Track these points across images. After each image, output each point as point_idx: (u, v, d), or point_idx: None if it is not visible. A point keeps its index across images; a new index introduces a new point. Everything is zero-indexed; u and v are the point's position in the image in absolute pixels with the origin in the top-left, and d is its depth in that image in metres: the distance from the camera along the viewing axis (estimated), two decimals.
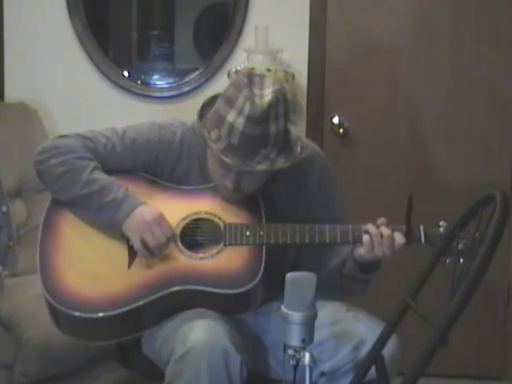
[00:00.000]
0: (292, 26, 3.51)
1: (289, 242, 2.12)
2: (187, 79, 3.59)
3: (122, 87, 3.60)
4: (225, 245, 2.13)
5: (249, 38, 3.47)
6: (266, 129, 2.02)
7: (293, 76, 3.37)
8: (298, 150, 2.11)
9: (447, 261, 1.95)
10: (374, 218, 2.13)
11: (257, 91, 2.04)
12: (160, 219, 2.12)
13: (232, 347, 1.97)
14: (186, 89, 3.57)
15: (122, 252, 2.14)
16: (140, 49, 3.82)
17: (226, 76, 3.40)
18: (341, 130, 3.53)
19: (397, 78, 3.54)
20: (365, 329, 2.09)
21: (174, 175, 2.23)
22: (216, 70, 3.53)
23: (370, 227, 2.09)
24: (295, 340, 1.75)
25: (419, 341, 1.61)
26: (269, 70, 3.26)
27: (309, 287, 1.76)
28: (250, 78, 2.06)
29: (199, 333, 1.98)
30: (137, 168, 2.22)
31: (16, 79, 3.59)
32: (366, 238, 2.08)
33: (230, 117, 2.03)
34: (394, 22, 3.50)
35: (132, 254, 2.14)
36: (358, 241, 2.10)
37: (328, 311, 2.12)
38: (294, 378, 1.77)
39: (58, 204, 2.21)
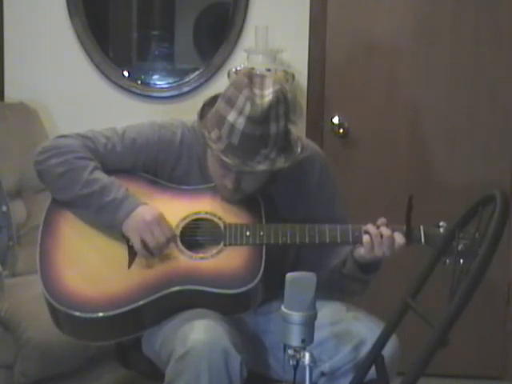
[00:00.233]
0: (292, 25, 3.51)
1: (289, 242, 2.12)
2: (187, 79, 3.59)
3: (121, 87, 3.60)
4: (225, 245, 2.13)
5: (249, 37, 3.47)
6: (266, 129, 2.02)
7: (293, 76, 3.37)
8: (299, 150, 2.11)
9: (447, 261, 1.96)
10: (374, 218, 2.13)
11: (257, 91, 2.04)
12: (160, 219, 2.12)
13: (232, 347, 1.97)
14: (185, 89, 3.57)
15: (121, 252, 2.14)
16: (140, 49, 3.82)
17: (226, 76, 3.40)
18: (341, 130, 3.53)
19: (397, 78, 3.54)
20: (365, 329, 2.09)
21: (174, 175, 2.23)
22: (216, 70, 3.53)
23: (370, 227, 2.09)
24: (295, 340, 1.75)
25: (419, 341, 1.61)
26: (269, 70, 3.26)
27: (309, 287, 1.76)
28: (251, 78, 2.06)
29: (199, 333, 1.98)
30: (137, 168, 2.22)
31: (16, 79, 3.59)
32: (366, 238, 2.08)
33: (231, 117, 2.03)
34: (394, 22, 3.50)
35: (132, 254, 2.14)
36: (358, 241, 2.10)
37: (328, 311, 2.12)
38: (294, 378, 1.77)
39: (58, 204, 2.21)
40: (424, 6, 3.49)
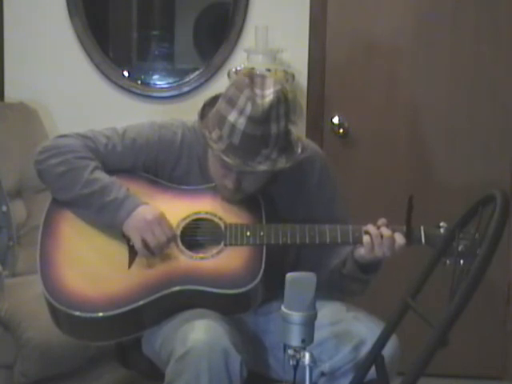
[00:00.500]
0: (292, 25, 3.51)
1: (289, 242, 2.12)
2: (187, 79, 3.59)
3: (122, 87, 3.60)
4: (225, 245, 2.13)
5: (249, 37, 3.47)
6: (267, 129, 2.02)
7: (293, 76, 3.37)
8: (299, 150, 2.11)
9: (447, 262, 1.96)
10: (374, 218, 2.13)
11: (258, 91, 2.04)
12: (161, 219, 2.12)
13: (232, 347, 1.97)
14: (186, 89, 3.57)
15: (122, 252, 2.15)
16: (140, 49, 3.82)
17: (226, 76, 3.40)
18: (341, 130, 3.53)
19: (397, 78, 3.54)
20: (365, 329, 2.09)
21: (174, 175, 2.23)
22: (216, 70, 3.53)
23: (371, 228, 2.09)
24: (295, 340, 1.75)
25: (419, 341, 1.61)
26: (269, 70, 3.26)
27: (309, 287, 1.76)
28: (252, 78, 2.06)
29: (199, 333, 1.98)
30: (137, 168, 2.22)
31: (16, 79, 3.59)
32: (366, 238, 2.08)
33: (232, 117, 2.03)
34: (394, 22, 3.50)
35: (132, 253, 2.14)
36: (358, 241, 2.10)
37: (328, 311, 2.12)
38: (294, 378, 1.77)
39: (58, 204, 2.21)
40: (424, 6, 3.50)
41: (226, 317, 2.08)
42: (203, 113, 2.13)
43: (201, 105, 2.16)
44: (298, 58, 3.48)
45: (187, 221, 2.17)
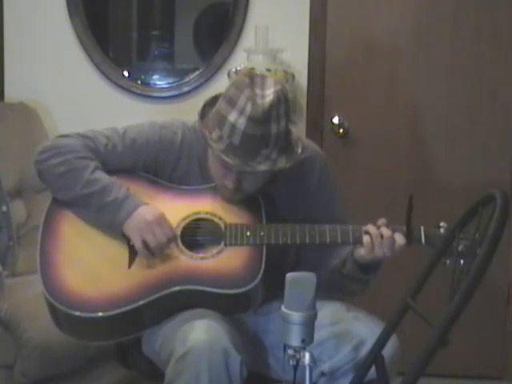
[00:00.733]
0: (292, 25, 3.51)
1: (289, 242, 2.12)
2: (187, 79, 3.59)
3: (122, 87, 3.60)
4: (225, 245, 2.13)
5: (249, 37, 3.47)
6: (267, 129, 2.02)
7: (293, 76, 3.37)
8: (299, 150, 2.11)
9: (447, 262, 1.96)
10: (374, 218, 2.13)
11: (258, 91, 2.04)
12: (161, 219, 2.12)
13: (232, 347, 1.97)
14: (186, 89, 3.57)
15: (122, 252, 2.15)
16: (140, 49, 3.82)
17: (226, 76, 3.40)
18: (341, 130, 3.53)
19: (397, 78, 3.54)
20: (365, 329, 2.09)
21: (175, 175, 2.23)
22: (216, 70, 3.53)
23: (371, 228, 2.09)
24: (295, 340, 1.75)
25: (419, 341, 1.61)
26: (269, 70, 3.26)
27: (309, 287, 1.76)
28: (252, 78, 2.07)
29: (199, 333, 1.98)
30: (137, 168, 2.22)
31: (16, 79, 3.59)
32: (366, 238, 2.08)
33: (232, 117, 2.03)
34: (394, 22, 3.50)
35: (132, 253, 2.14)
36: (358, 241, 2.10)
37: (328, 311, 2.12)
38: (294, 378, 1.77)
39: (58, 204, 2.21)
40: (424, 6, 3.50)
41: (225, 317, 2.08)
42: (203, 113, 2.13)
43: (201, 105, 2.16)
44: (297, 58, 3.48)
45: (187, 221, 2.17)
